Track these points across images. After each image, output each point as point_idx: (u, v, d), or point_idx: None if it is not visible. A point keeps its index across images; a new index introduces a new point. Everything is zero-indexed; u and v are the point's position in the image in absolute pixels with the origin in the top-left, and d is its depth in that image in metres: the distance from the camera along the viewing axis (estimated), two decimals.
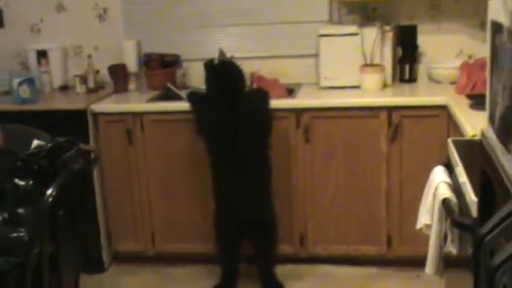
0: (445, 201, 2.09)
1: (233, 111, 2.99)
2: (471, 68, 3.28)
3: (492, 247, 1.11)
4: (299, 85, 3.66)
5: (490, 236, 1.10)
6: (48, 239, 2.06)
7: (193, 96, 3.20)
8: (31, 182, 2.11)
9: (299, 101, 3.34)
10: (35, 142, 2.28)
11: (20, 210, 2.09)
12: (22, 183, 2.11)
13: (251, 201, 3.06)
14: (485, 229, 1.10)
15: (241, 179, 3.02)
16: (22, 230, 2.05)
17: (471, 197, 1.87)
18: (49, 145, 2.21)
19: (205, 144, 3.11)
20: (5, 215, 2.06)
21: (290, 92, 3.53)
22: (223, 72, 3.05)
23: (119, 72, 3.73)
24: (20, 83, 3.46)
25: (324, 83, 3.52)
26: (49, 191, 2.04)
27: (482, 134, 1.42)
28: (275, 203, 3.20)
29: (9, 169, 2.11)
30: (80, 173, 2.26)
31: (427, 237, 2.29)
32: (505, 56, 1.17)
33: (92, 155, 2.41)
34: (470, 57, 3.51)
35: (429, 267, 2.25)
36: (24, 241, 2.00)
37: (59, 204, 2.08)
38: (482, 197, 1.49)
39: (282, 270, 3.34)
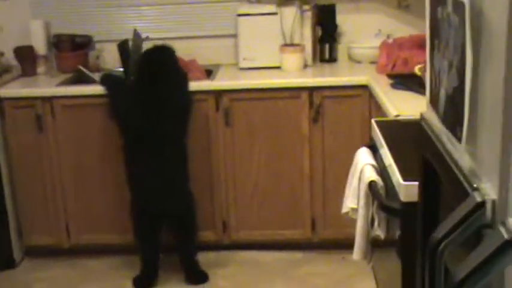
0: (372, 185, 2.06)
1: (152, 94, 2.94)
2: (390, 47, 3.30)
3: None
4: (218, 66, 3.62)
5: (446, 241, 1.01)
6: None
7: (108, 79, 3.15)
8: None
9: (218, 83, 3.30)
10: None
11: None
12: None
13: (168, 190, 3.01)
14: (439, 233, 1.02)
15: (158, 166, 2.96)
16: None
17: (398, 179, 1.84)
18: None
19: (120, 129, 3.06)
20: None
21: (209, 73, 3.48)
22: (161, 60, 3.00)
23: (26, 55, 3.60)
24: None
25: (244, 63, 3.48)
26: None
27: (422, 117, 1.35)
28: (195, 189, 3.17)
29: None
30: None
31: (352, 220, 2.26)
32: (450, 30, 1.09)
33: None
34: (389, 36, 3.52)
35: (357, 253, 2.21)
36: None
37: None
38: (421, 183, 1.43)
39: (205, 258, 3.30)
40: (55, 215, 3.43)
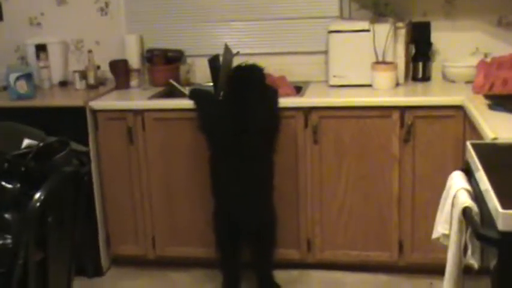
0: (466, 211, 1.94)
1: (240, 110, 2.93)
2: (488, 67, 3.18)
3: None
4: (307, 83, 3.60)
5: None
6: (35, 248, 1.93)
7: (197, 93, 3.16)
8: (18, 185, 1.99)
9: (307, 100, 3.26)
10: (26, 141, 2.15)
11: (7, 216, 1.97)
12: (9, 186, 1.99)
13: (250, 205, 2.98)
14: None
15: (242, 180, 2.95)
16: (8, 236, 1.92)
17: (496, 206, 1.71)
18: (39, 145, 2.07)
19: (207, 143, 3.06)
20: None
21: (298, 90, 3.45)
22: (249, 77, 2.99)
23: (120, 68, 3.68)
24: (17, 78, 3.40)
25: (334, 81, 3.45)
26: (37, 195, 1.91)
27: None
28: (281, 205, 3.16)
29: None
30: (71, 176, 2.13)
31: (441, 245, 2.16)
32: None
33: (85, 157, 2.29)
34: (486, 55, 3.43)
35: (448, 281, 2.08)
36: (9, 249, 1.83)
37: (48, 209, 1.96)
38: None
39: (287, 276, 3.28)
40: (142, 226, 3.47)
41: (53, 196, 1.96)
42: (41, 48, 3.77)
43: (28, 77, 3.43)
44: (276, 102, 3.08)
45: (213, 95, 3.24)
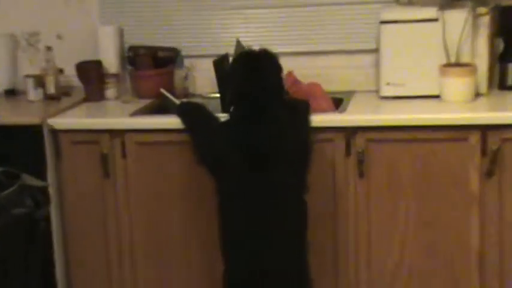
0: None
1: (257, 133, 2.94)
2: None
3: None
4: (350, 93, 3.60)
5: None
6: None
7: (188, 109, 3.20)
8: None
9: (350, 117, 3.26)
10: None
11: None
12: None
13: (276, 267, 2.95)
14: None
15: (263, 232, 2.94)
16: None
17: None
18: None
19: (213, 180, 3.04)
20: None
21: (337, 103, 3.45)
22: (258, 68, 2.99)
23: (91, 73, 3.68)
24: None
25: (387, 90, 3.45)
26: None
27: None
28: (314, 263, 3.08)
29: None
30: (22, 221, 2.15)
31: None
32: None
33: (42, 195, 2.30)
34: None
35: None
36: None
37: None
38: None
39: None
40: (120, 287, 3.47)
41: None
42: None
43: None
44: (306, 120, 3.09)
45: (209, 112, 3.19)
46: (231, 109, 3.08)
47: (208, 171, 3.05)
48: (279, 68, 3.03)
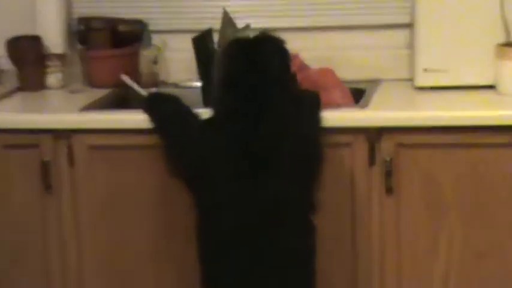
0: None
1: (251, 133, 2.76)
2: None
3: None
4: (375, 83, 3.42)
5: None
6: None
7: (158, 102, 3.06)
8: None
9: (374, 113, 3.03)
10: None
11: None
12: None
13: None
14: None
15: (257, 263, 2.78)
16: None
17: None
18: None
19: (192, 194, 2.90)
20: None
21: (357, 95, 3.27)
22: (257, 52, 2.82)
23: (27, 53, 3.53)
24: None
25: (424, 79, 3.23)
26: None
27: None
28: None
29: None
30: None
31: None
32: None
33: None
34: None
35: None
36: None
37: None
38: None
39: None
40: None
41: None
42: None
43: None
44: (316, 117, 2.91)
45: (188, 108, 3.01)
46: (217, 102, 2.92)
47: (184, 182, 2.95)
48: (284, 53, 2.88)
